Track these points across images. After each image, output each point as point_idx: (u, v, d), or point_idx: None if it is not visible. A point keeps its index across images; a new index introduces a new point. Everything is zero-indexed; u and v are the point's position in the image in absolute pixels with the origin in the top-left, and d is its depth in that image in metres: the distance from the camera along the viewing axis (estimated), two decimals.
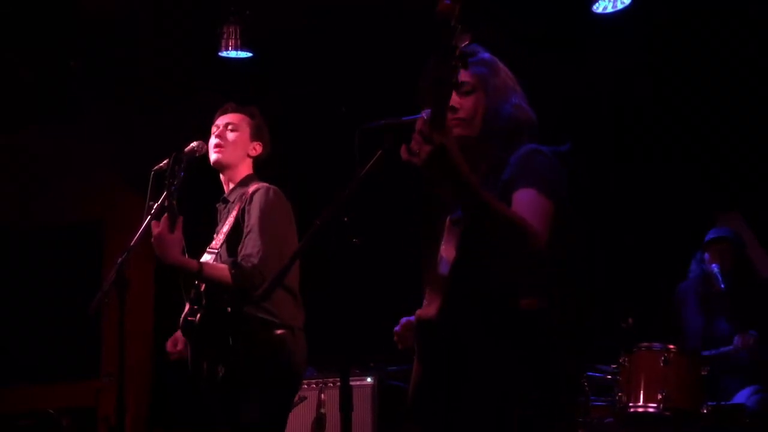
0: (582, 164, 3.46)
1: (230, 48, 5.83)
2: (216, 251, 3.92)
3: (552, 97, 5.39)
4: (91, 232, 7.34)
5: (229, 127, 4.11)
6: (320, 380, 5.35)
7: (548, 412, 2.52)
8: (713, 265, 5.35)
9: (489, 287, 2.50)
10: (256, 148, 4.15)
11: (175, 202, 3.70)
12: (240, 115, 4.15)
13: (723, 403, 4.88)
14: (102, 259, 7.14)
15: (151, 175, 3.81)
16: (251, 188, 3.99)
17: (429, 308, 2.59)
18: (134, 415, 6.70)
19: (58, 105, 6.62)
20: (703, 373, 4.77)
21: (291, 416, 3.97)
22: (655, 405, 4.71)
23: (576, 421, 4.81)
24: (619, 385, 4.90)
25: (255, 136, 4.15)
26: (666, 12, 5.63)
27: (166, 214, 3.69)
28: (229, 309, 3.80)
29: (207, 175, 4.16)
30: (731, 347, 5.20)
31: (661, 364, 4.74)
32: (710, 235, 5.50)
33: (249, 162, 4.15)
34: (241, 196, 4.00)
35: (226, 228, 3.95)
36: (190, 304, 3.88)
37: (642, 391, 4.77)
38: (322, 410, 5.13)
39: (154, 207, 3.73)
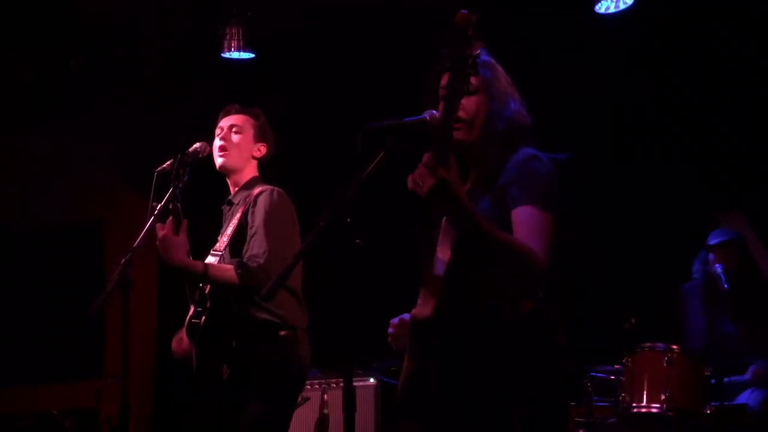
0: (582, 164, 3.46)
1: (233, 49, 5.83)
2: (220, 253, 3.91)
3: (553, 96, 5.41)
4: (91, 232, 7.34)
5: (233, 129, 4.09)
6: (323, 381, 5.35)
7: (548, 412, 2.52)
8: (717, 265, 5.33)
9: (486, 288, 2.50)
10: (261, 150, 4.13)
11: (179, 205, 3.69)
12: (243, 117, 4.13)
13: (726, 403, 4.87)
14: (102, 259, 7.13)
15: (154, 176, 3.79)
16: (255, 191, 3.98)
17: (424, 308, 2.58)
18: (137, 416, 6.69)
19: (58, 105, 6.61)
20: (706, 373, 4.77)
21: (294, 417, 3.96)
22: (658, 405, 4.70)
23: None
24: (622, 386, 4.89)
25: (259, 137, 4.13)
26: (668, 12, 5.63)
27: (171, 217, 3.68)
28: (234, 310, 3.79)
29: (210, 176, 4.15)
30: (746, 376, 5.21)
31: (665, 365, 4.74)
32: (714, 238, 5.46)
33: (254, 164, 4.13)
34: (246, 198, 3.99)
35: (230, 230, 3.94)
36: (195, 307, 3.88)
37: (645, 392, 4.76)
38: (325, 411, 5.13)
39: (158, 208, 3.72)
